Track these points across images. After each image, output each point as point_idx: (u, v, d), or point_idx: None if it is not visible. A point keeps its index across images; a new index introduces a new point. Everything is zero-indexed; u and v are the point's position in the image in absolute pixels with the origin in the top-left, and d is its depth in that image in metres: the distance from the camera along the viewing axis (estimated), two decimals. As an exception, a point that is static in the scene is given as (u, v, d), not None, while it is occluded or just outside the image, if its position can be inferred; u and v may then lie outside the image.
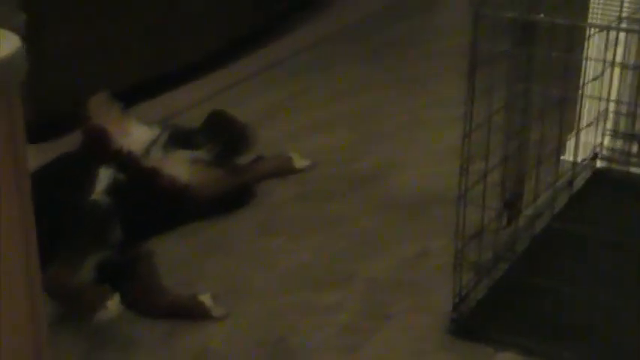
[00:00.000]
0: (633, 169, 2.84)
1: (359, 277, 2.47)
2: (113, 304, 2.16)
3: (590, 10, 2.71)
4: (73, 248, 2.31)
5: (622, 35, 2.73)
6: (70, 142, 2.78)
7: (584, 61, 2.64)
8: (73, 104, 2.76)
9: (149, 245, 2.54)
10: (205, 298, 2.30)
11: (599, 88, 2.76)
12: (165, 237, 2.61)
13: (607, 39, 2.67)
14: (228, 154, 2.93)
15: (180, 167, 2.71)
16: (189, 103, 3.46)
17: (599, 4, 2.71)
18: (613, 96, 2.82)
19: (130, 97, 3.18)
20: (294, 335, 2.23)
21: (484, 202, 2.21)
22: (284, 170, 2.97)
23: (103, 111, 2.77)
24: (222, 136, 3.03)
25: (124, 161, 2.63)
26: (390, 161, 3.08)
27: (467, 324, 2.19)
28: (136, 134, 2.77)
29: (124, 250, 2.44)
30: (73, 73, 3.17)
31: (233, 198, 2.78)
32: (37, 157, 2.64)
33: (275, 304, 2.36)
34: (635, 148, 2.88)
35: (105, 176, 2.54)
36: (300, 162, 2.99)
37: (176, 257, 2.54)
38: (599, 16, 2.69)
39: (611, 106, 2.86)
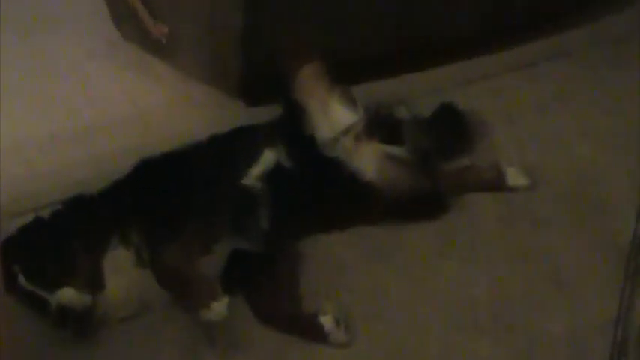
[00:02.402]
0: None
1: (527, 331, 2.02)
2: (218, 306, 1.92)
3: None
4: (200, 233, 2.07)
5: None
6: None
7: None
8: (284, 69, 2.54)
9: (303, 243, 2.27)
10: (326, 321, 2.00)
11: None
12: (326, 237, 2.32)
13: None
14: (440, 156, 2.59)
15: (368, 162, 2.40)
16: (428, 88, 3.06)
17: None
18: None
19: (361, 70, 2.91)
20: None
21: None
22: (493, 186, 2.54)
23: (310, 83, 2.51)
24: (444, 133, 2.70)
25: (302, 146, 2.36)
26: None
27: None
28: (335, 116, 2.49)
29: (269, 244, 2.18)
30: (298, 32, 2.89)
31: (421, 206, 2.41)
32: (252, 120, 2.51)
33: (412, 341, 2.00)
34: None
35: (267, 160, 2.28)
36: (515, 179, 2.55)
37: (328, 262, 2.26)
38: None
39: None
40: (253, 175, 2.24)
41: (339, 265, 2.24)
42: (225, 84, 2.88)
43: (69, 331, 1.97)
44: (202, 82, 2.96)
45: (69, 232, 2.07)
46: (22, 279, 2.00)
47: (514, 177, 2.55)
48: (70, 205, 2.16)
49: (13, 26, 3.27)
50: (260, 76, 2.79)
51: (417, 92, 3.03)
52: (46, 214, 2.15)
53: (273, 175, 2.27)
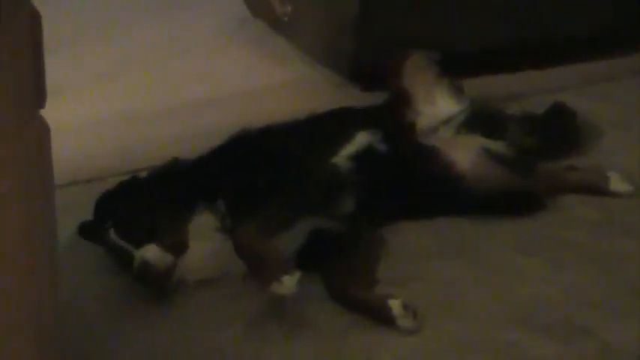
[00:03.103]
0: None
1: (598, 338, 1.99)
2: (289, 281, 1.95)
3: None
4: (283, 207, 2.13)
5: None
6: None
7: None
8: (393, 58, 2.58)
9: (387, 228, 2.29)
10: (395, 305, 2.01)
11: None
12: (411, 224, 2.33)
13: None
14: (545, 155, 2.57)
15: (464, 153, 2.40)
16: (544, 87, 3.03)
17: None
18: None
19: (477, 64, 2.91)
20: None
21: None
22: (594, 189, 2.49)
23: (416, 72, 2.55)
24: (552, 132, 2.67)
25: (400, 133, 2.38)
26: None
27: None
28: (439, 105, 2.51)
29: (352, 226, 2.22)
30: (413, 23, 2.92)
31: (512, 203, 2.39)
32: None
33: (478, 337, 2.00)
34: None
35: (360, 141, 2.32)
36: (618, 184, 2.48)
37: (409, 250, 2.26)
38: None
39: None
40: (344, 155, 2.28)
41: (418, 254, 2.25)
42: (339, 66, 2.94)
43: (149, 286, 2.06)
44: (320, 63, 3.02)
45: (160, 194, 2.16)
46: (112, 233, 2.11)
47: (617, 182, 2.48)
48: (166, 168, 2.25)
49: (149, 2, 3.41)
50: (373, 61, 2.82)
51: (534, 91, 3.01)
52: (143, 174, 2.25)
53: (366, 157, 2.30)
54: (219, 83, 3.00)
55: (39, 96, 1.21)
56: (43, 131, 1.24)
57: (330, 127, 2.37)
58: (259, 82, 3.01)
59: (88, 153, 2.61)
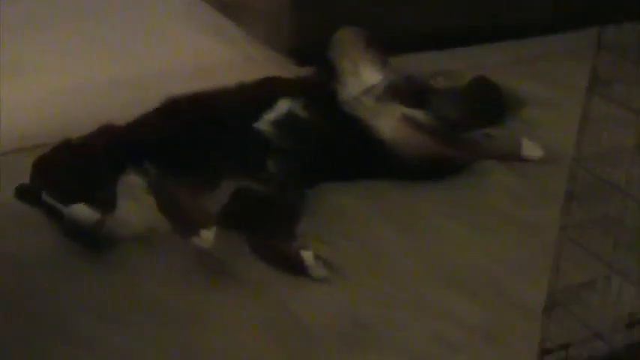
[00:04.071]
0: None
1: (510, 298, 2.12)
2: (207, 234, 2.10)
3: None
4: (206, 167, 2.27)
5: None
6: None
7: None
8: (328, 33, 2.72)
9: (312, 191, 2.43)
10: (307, 256, 2.15)
11: None
12: (336, 187, 2.47)
13: None
14: (465, 124, 2.71)
15: (385, 120, 2.55)
16: (476, 64, 3.17)
17: None
18: None
19: (411, 41, 3.05)
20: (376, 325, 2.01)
21: None
22: (508, 155, 2.64)
23: (345, 44, 2.68)
24: (474, 104, 2.82)
25: (323, 101, 2.53)
26: None
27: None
28: (362, 76, 2.65)
29: (274, 186, 2.35)
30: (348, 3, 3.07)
31: (433, 168, 2.53)
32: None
33: (392, 291, 2.13)
34: None
35: (281, 108, 2.46)
36: (530, 150, 2.64)
37: (333, 210, 2.40)
38: None
39: None
40: (266, 120, 2.42)
41: (342, 214, 2.39)
42: (278, 44, 3.08)
43: (78, 241, 2.20)
44: (260, 41, 3.16)
45: (91, 155, 2.29)
46: (44, 193, 2.24)
47: (529, 148, 2.64)
48: (99, 131, 2.38)
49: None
50: (310, 37, 2.97)
51: (466, 67, 3.14)
52: (75, 138, 2.38)
53: (288, 123, 2.44)
54: (169, 60, 3.14)
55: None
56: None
57: (254, 94, 2.50)
58: (206, 60, 3.15)
59: (44, 122, 2.75)
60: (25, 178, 2.35)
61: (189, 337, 1.97)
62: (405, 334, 1.99)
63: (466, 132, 2.69)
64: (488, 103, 2.85)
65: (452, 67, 3.12)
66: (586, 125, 1.61)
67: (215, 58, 3.17)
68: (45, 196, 2.24)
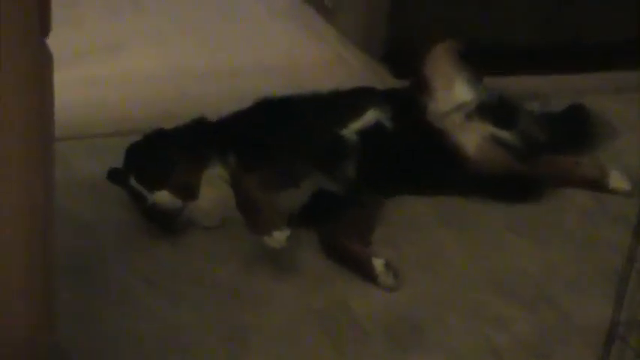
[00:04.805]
0: None
1: (562, 310, 2.14)
2: (279, 236, 2.14)
3: None
4: (286, 167, 2.32)
5: None
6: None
7: None
8: (420, 45, 2.74)
9: (390, 200, 2.48)
10: (378, 263, 2.19)
11: None
12: (411, 197, 2.51)
13: None
14: (553, 149, 2.71)
15: (471, 137, 2.56)
16: (572, 90, 3.14)
17: None
18: None
19: (507, 63, 3.05)
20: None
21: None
22: (594, 184, 2.62)
23: (437, 60, 2.70)
24: (564, 129, 2.81)
25: (411, 113, 2.56)
26: None
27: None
28: (455, 93, 2.66)
29: (353, 191, 2.40)
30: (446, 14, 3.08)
31: (512, 189, 2.54)
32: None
33: (448, 296, 2.18)
34: None
35: (369, 118, 2.50)
36: (617, 182, 2.61)
37: (404, 219, 2.44)
38: None
39: None
40: (352, 128, 2.47)
41: (412, 223, 2.43)
42: (373, 50, 3.12)
43: (157, 226, 2.28)
44: (356, 46, 3.20)
45: (180, 146, 2.37)
46: (132, 178, 2.33)
47: (617, 180, 2.61)
48: (191, 124, 2.46)
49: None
50: (404, 47, 2.98)
51: (562, 92, 3.12)
52: (169, 127, 2.46)
53: (374, 133, 2.48)
54: (262, 53, 3.20)
55: (43, 25, 1.40)
56: (45, 59, 1.43)
57: (344, 102, 2.55)
58: (298, 58, 3.20)
59: (139, 105, 2.85)
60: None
61: (245, 319, 2.05)
62: (455, 338, 2.04)
63: (554, 156, 2.68)
64: (580, 130, 2.83)
65: (549, 91, 3.10)
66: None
67: (309, 57, 3.22)
68: (132, 181, 2.32)
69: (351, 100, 2.55)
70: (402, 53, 2.95)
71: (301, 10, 3.49)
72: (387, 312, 2.10)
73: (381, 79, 3.02)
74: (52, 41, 1.43)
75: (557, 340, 2.06)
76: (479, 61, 2.72)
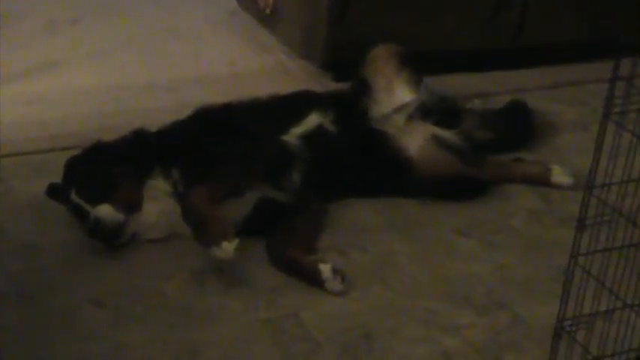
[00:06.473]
0: None
1: (513, 313, 2.14)
2: (228, 246, 2.12)
3: None
4: (230, 176, 2.29)
5: None
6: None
7: None
8: (361, 50, 2.73)
9: (334, 204, 2.46)
10: (325, 269, 2.17)
11: None
12: (357, 201, 2.50)
13: None
14: (496, 147, 2.72)
15: (414, 139, 2.55)
16: (514, 87, 3.15)
17: None
18: None
19: (448, 62, 3.06)
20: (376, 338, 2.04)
21: None
22: (537, 180, 2.63)
23: (380, 61, 2.69)
24: (506, 126, 2.82)
25: (353, 117, 2.55)
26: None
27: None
28: (396, 95, 2.66)
29: (297, 197, 2.38)
30: (385, 19, 3.08)
31: (457, 188, 2.53)
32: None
33: (400, 303, 2.15)
34: None
35: (311, 121, 2.48)
36: (559, 177, 2.62)
37: (352, 224, 2.43)
38: None
39: None
40: (294, 133, 2.44)
41: (360, 228, 2.41)
42: (313, 57, 3.10)
43: (100, 241, 2.24)
44: (296, 54, 3.19)
45: (120, 158, 2.33)
46: (72, 193, 2.28)
47: (559, 174, 2.62)
48: (131, 135, 2.42)
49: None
50: (345, 52, 2.98)
51: (503, 91, 3.14)
52: (108, 139, 2.42)
53: (316, 137, 2.46)
54: (203, 65, 3.18)
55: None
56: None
57: (285, 107, 2.53)
58: (240, 68, 3.19)
59: (78, 120, 2.81)
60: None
61: (195, 335, 2.02)
62: (407, 346, 2.03)
63: (496, 154, 2.69)
64: (520, 127, 2.84)
65: (490, 89, 3.12)
66: (600, 154, 1.61)
67: (251, 66, 3.21)
68: (73, 196, 2.28)
69: (291, 105, 2.54)
70: (343, 60, 2.96)
71: (241, 20, 3.48)
72: (337, 321, 2.08)
73: (323, 85, 3.02)
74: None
75: (509, 343, 2.05)
76: (419, 62, 2.73)
